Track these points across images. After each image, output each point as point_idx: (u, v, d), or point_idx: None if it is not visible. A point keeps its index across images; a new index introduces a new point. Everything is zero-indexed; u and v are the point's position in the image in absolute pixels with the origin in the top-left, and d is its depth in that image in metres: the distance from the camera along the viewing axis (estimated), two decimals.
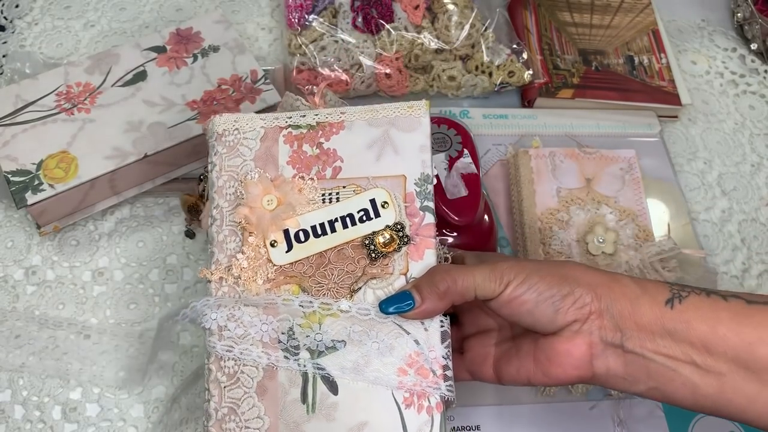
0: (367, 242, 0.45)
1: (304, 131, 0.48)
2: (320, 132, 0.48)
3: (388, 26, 0.70)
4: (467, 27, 0.70)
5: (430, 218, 0.46)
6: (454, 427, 0.54)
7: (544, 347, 0.42)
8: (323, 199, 0.46)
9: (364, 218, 0.46)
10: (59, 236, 0.62)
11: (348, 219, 0.46)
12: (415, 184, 0.46)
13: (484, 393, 0.56)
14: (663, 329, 0.39)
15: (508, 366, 0.45)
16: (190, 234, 0.62)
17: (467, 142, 0.61)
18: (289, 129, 0.48)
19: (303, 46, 0.69)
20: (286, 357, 0.43)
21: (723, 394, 0.38)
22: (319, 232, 0.46)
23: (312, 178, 0.47)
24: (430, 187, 0.46)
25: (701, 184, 0.71)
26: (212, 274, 0.45)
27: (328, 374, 0.43)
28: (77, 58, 0.72)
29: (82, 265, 0.61)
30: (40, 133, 0.60)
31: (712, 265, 0.65)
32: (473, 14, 0.71)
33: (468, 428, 0.55)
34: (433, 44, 0.70)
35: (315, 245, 0.45)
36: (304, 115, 0.49)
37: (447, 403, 0.43)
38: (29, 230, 0.62)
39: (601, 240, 0.58)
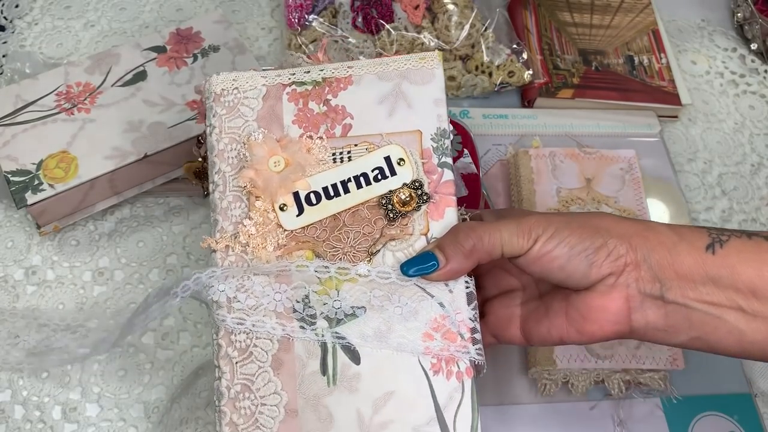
0: (384, 202, 0.43)
1: (310, 88, 0.45)
2: (327, 88, 0.45)
3: (388, 26, 0.70)
4: (467, 27, 0.70)
5: (449, 175, 0.43)
6: None
7: (577, 304, 0.40)
8: (334, 159, 0.44)
9: (380, 177, 0.43)
10: (59, 236, 0.62)
11: (362, 178, 0.43)
12: (431, 139, 0.44)
13: (484, 393, 0.56)
14: (705, 276, 0.37)
15: (537, 326, 0.43)
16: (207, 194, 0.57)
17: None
18: (293, 86, 0.45)
19: (303, 46, 0.69)
20: (302, 327, 0.41)
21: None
22: (332, 193, 0.43)
23: (321, 137, 0.44)
24: (448, 142, 0.44)
25: (701, 184, 0.71)
26: (217, 243, 0.43)
27: (349, 343, 0.41)
28: (77, 58, 0.72)
29: (83, 265, 0.61)
30: (40, 133, 0.60)
31: None
32: (473, 14, 0.71)
33: None
34: (433, 44, 0.70)
35: (328, 207, 0.43)
36: (309, 71, 0.46)
37: (477, 369, 0.41)
38: (29, 230, 0.62)
39: None
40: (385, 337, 0.41)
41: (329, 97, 0.45)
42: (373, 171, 0.43)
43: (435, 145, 0.44)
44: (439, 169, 0.43)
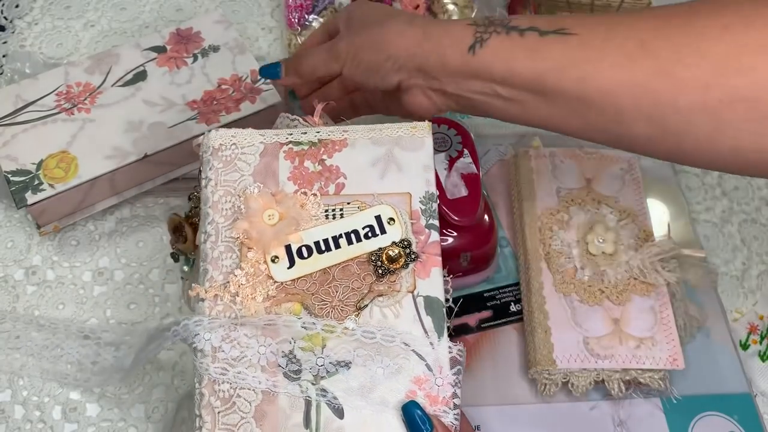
0: (374, 258, 0.44)
1: (306, 148, 0.47)
2: (322, 149, 0.47)
3: None
4: None
5: (435, 236, 0.45)
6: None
7: (400, 100, 0.50)
8: (327, 215, 0.45)
9: (370, 234, 0.45)
10: (59, 236, 0.62)
11: (353, 235, 0.45)
12: (420, 201, 0.46)
13: (484, 393, 0.56)
14: (469, 73, 0.45)
15: (392, 108, 0.54)
16: (174, 256, 0.56)
17: (467, 142, 0.61)
18: (290, 145, 0.47)
19: None
20: (286, 381, 0.41)
21: (526, 114, 0.46)
22: (323, 248, 0.44)
23: (315, 194, 0.46)
24: (435, 206, 0.46)
25: (701, 184, 0.71)
26: (206, 292, 0.43)
27: (333, 398, 0.41)
28: (77, 58, 0.72)
29: (83, 265, 0.61)
30: (40, 133, 0.60)
31: (712, 265, 0.65)
32: (473, 14, 0.71)
33: None
34: None
35: (319, 261, 0.44)
36: (306, 132, 0.48)
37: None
38: (29, 230, 0.62)
39: (601, 240, 0.59)
40: (369, 393, 0.41)
41: (324, 157, 0.47)
42: (363, 228, 0.45)
43: (423, 207, 0.46)
44: (427, 230, 0.45)
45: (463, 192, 0.57)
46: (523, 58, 0.43)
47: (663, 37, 0.40)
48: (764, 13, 0.38)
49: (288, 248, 0.44)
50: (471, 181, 0.57)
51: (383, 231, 0.45)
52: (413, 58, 0.46)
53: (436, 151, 0.59)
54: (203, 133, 0.48)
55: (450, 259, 0.57)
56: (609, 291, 0.57)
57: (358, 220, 0.45)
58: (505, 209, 0.66)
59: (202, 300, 0.43)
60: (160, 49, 0.66)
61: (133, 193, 0.62)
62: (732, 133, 0.39)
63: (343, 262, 0.44)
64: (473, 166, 0.58)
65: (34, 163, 0.58)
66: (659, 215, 0.66)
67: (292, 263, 0.44)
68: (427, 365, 0.42)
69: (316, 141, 0.47)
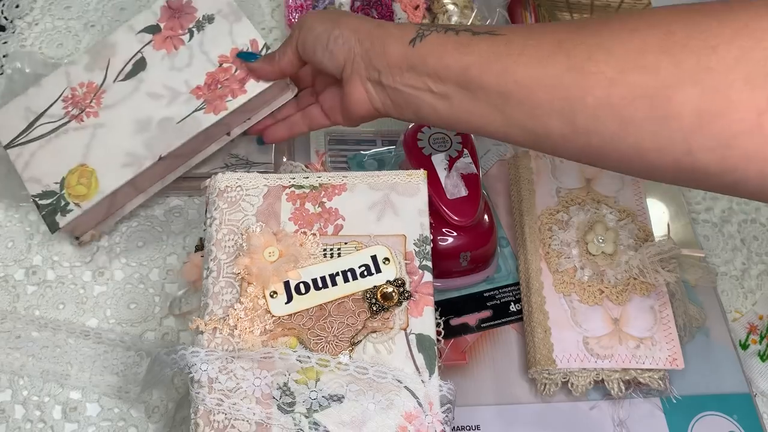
0: (368, 296, 0.46)
1: (307, 191, 0.50)
2: (323, 192, 0.50)
3: None
4: None
5: (428, 277, 0.47)
6: (454, 427, 0.54)
7: (343, 93, 0.52)
8: (325, 254, 0.47)
9: (366, 273, 0.47)
10: (58, 236, 0.62)
11: (349, 273, 0.47)
12: (414, 244, 0.48)
13: (484, 393, 0.56)
14: (407, 65, 0.47)
15: (337, 114, 0.56)
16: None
17: (467, 142, 0.61)
18: (292, 188, 0.50)
19: None
20: (280, 413, 0.42)
21: (454, 112, 0.46)
22: (320, 285, 0.46)
23: (314, 234, 0.48)
24: (428, 248, 0.48)
25: None
26: (206, 325, 0.45)
27: (325, 431, 0.42)
28: (76, 56, 0.71)
29: (83, 265, 0.61)
30: (55, 147, 0.59)
31: (712, 265, 0.65)
32: (473, 14, 0.71)
33: (468, 428, 0.55)
34: None
35: (315, 297, 0.46)
36: (308, 177, 0.51)
37: None
38: (29, 230, 0.62)
39: (600, 240, 0.59)
40: (361, 428, 0.42)
41: (324, 199, 0.50)
42: (360, 267, 0.47)
43: (417, 249, 0.48)
44: (420, 271, 0.47)
45: (463, 192, 0.57)
46: (453, 52, 0.45)
47: (578, 38, 0.42)
48: (666, 19, 0.39)
49: (287, 284, 0.46)
50: (471, 181, 0.57)
51: (378, 270, 0.47)
52: (361, 41, 0.49)
53: (436, 151, 0.59)
54: (212, 124, 0.52)
55: (450, 259, 0.57)
56: (609, 291, 0.57)
57: (355, 260, 0.47)
58: (505, 209, 0.66)
59: (201, 332, 0.45)
60: (154, 29, 0.62)
61: (158, 188, 0.61)
62: (634, 131, 0.40)
63: (339, 298, 0.46)
64: (473, 166, 0.58)
65: (56, 183, 0.57)
66: (659, 215, 0.66)
67: (290, 299, 0.46)
68: (418, 402, 0.43)
69: (317, 185, 0.50)
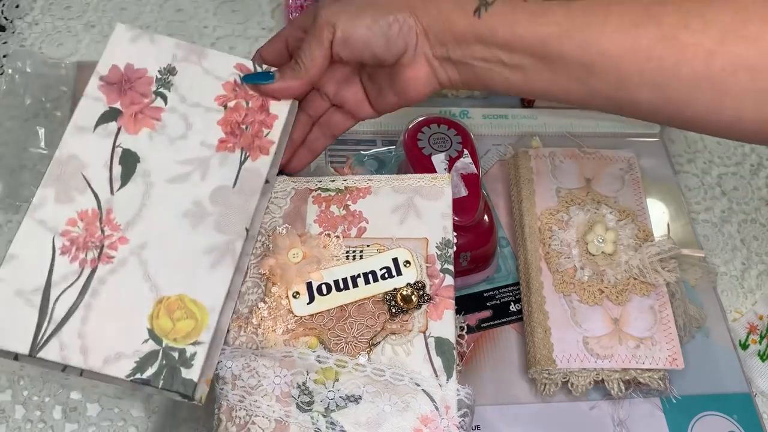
0: (388, 298, 0.46)
1: (333, 194, 0.51)
2: (348, 195, 0.50)
3: None
4: None
5: (450, 281, 0.47)
6: None
7: (396, 78, 0.47)
8: (347, 256, 0.48)
9: (386, 275, 0.47)
10: None
11: (370, 275, 0.47)
12: (436, 247, 0.48)
13: (484, 393, 0.56)
14: (474, 37, 0.44)
15: (380, 101, 0.50)
16: None
17: (467, 142, 0.61)
18: (319, 191, 0.51)
19: None
20: (298, 411, 0.43)
21: (529, 83, 0.44)
22: (342, 286, 0.47)
23: (338, 236, 0.49)
24: (451, 252, 0.48)
25: (701, 184, 0.71)
26: (232, 323, 0.46)
27: (342, 430, 0.43)
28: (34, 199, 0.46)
29: None
30: (105, 307, 0.43)
31: (711, 265, 0.65)
32: None
33: None
34: None
35: (336, 299, 0.47)
36: (334, 180, 0.51)
37: None
38: None
39: (600, 240, 0.59)
40: (377, 429, 0.43)
41: (349, 202, 0.50)
42: (381, 269, 0.47)
43: (439, 252, 0.48)
44: (442, 274, 0.47)
45: (463, 192, 0.57)
46: (526, 23, 0.42)
47: (668, 2, 0.39)
48: None
49: (309, 285, 0.47)
50: (471, 181, 0.57)
51: (399, 273, 0.47)
52: (420, 18, 0.44)
53: (436, 151, 0.59)
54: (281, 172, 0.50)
55: None
56: (608, 291, 0.57)
57: (376, 262, 0.48)
58: (505, 209, 0.66)
59: (227, 330, 0.46)
60: (112, 115, 0.48)
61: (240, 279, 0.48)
62: (734, 103, 0.38)
63: (360, 300, 0.47)
64: (473, 166, 0.58)
65: (145, 340, 0.42)
66: (659, 215, 0.66)
67: (311, 299, 0.47)
68: (435, 405, 0.43)
69: (343, 188, 0.51)
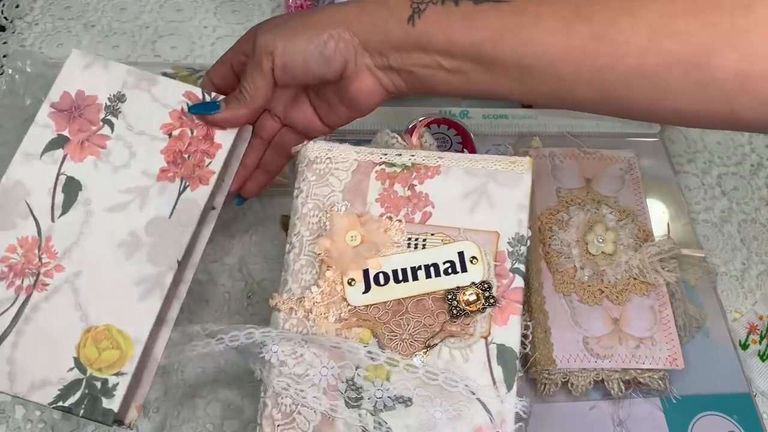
0: (449, 297, 0.42)
1: (398, 170, 0.46)
2: (414, 173, 0.46)
3: None
4: None
5: (519, 282, 0.43)
6: None
7: (344, 92, 0.48)
8: (409, 244, 0.44)
9: (450, 271, 0.43)
10: None
11: (432, 269, 0.43)
12: (508, 243, 0.44)
13: None
14: (412, 45, 0.44)
15: (331, 117, 0.50)
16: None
17: (467, 142, 0.61)
18: (383, 166, 0.47)
19: None
20: (346, 406, 0.41)
21: (471, 85, 0.44)
22: (401, 277, 0.43)
23: (400, 220, 0.45)
24: (524, 249, 0.44)
25: (701, 184, 0.71)
26: (283, 303, 0.43)
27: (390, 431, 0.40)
28: None
29: None
30: (35, 333, 0.43)
31: (711, 265, 0.65)
32: None
33: None
34: None
35: (394, 291, 0.43)
36: (400, 154, 0.47)
37: None
38: None
39: (600, 240, 0.59)
40: None
41: (415, 182, 0.46)
42: (444, 264, 0.43)
43: (511, 249, 0.44)
44: (511, 275, 0.43)
45: None
46: (460, 28, 0.42)
47: (596, 1, 0.39)
48: None
49: (366, 272, 0.44)
50: None
51: (464, 269, 0.43)
52: (357, 34, 0.45)
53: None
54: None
55: None
56: (608, 291, 0.57)
57: (440, 254, 0.44)
58: None
59: (278, 311, 0.44)
60: (59, 142, 0.48)
61: (176, 311, 0.47)
62: (672, 97, 0.39)
63: (419, 295, 0.43)
64: None
65: (70, 369, 0.43)
66: (659, 215, 0.66)
67: (367, 288, 0.43)
68: (490, 417, 0.40)
69: (410, 164, 0.46)
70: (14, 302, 0.44)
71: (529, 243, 0.44)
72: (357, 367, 0.42)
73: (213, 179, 0.48)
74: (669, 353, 0.55)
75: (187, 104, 0.49)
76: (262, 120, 0.51)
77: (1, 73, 0.69)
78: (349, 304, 0.43)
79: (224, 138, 0.49)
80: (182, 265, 0.47)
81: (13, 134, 0.65)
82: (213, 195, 0.49)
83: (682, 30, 0.37)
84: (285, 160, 0.53)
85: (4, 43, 0.73)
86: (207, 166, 0.49)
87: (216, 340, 0.43)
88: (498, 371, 0.41)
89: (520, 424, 0.41)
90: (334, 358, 0.42)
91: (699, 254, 0.61)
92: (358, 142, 0.67)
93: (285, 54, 0.45)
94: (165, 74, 0.51)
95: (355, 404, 0.41)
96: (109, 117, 0.49)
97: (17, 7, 0.75)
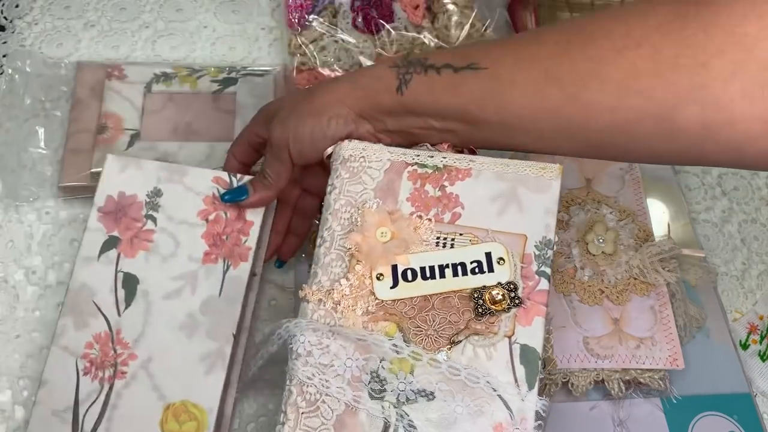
0: (476, 296, 0.44)
1: (430, 171, 0.48)
2: (445, 175, 0.48)
3: (388, 26, 0.70)
4: (467, 27, 0.70)
5: (545, 284, 0.44)
6: None
7: None
8: (437, 243, 0.45)
9: (477, 270, 0.44)
10: (60, 235, 0.62)
11: (459, 267, 0.44)
12: (535, 246, 0.45)
13: None
14: (404, 111, 0.47)
15: None
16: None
17: None
18: (415, 166, 0.48)
19: (303, 46, 0.69)
20: (369, 398, 0.42)
21: (464, 140, 0.49)
22: (428, 274, 0.45)
23: (429, 219, 0.46)
24: (551, 253, 0.45)
25: (701, 184, 0.71)
26: (312, 295, 0.45)
27: (412, 424, 0.41)
28: (58, 328, 0.51)
29: None
30: (122, 416, 0.49)
31: (711, 265, 0.65)
32: (473, 14, 0.71)
33: None
34: (433, 44, 0.70)
35: (421, 287, 0.44)
36: (433, 156, 0.48)
37: None
38: (29, 230, 0.62)
39: (600, 240, 0.59)
40: (449, 428, 0.41)
41: (446, 183, 0.47)
42: (471, 263, 0.45)
43: (537, 252, 0.45)
44: (537, 277, 0.44)
45: None
46: (444, 94, 0.46)
47: (566, 65, 0.42)
48: (651, 36, 0.40)
49: (394, 268, 0.45)
50: None
51: (491, 269, 0.44)
52: (353, 107, 0.48)
53: None
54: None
55: None
56: (609, 291, 0.57)
57: (468, 254, 0.45)
58: None
59: (307, 302, 0.45)
60: (112, 243, 0.53)
61: (237, 373, 0.53)
62: (646, 145, 0.42)
63: (445, 293, 0.44)
64: None
65: None
66: (659, 215, 0.66)
67: (395, 283, 0.45)
68: (511, 414, 0.41)
69: (441, 166, 0.48)
70: (100, 393, 0.49)
71: (556, 248, 0.45)
72: (382, 360, 0.42)
73: (251, 255, 0.53)
74: (669, 353, 0.55)
75: (218, 190, 0.54)
76: (284, 189, 0.54)
77: (1, 73, 0.69)
78: (376, 298, 0.44)
79: (255, 215, 0.54)
80: (237, 335, 0.52)
81: (13, 134, 0.65)
82: (253, 264, 0.54)
83: (645, 89, 0.40)
84: (310, 221, 0.58)
85: (4, 43, 0.73)
86: (244, 243, 0.54)
87: (269, 343, 0.46)
88: (520, 370, 0.42)
89: (540, 422, 0.42)
90: (359, 350, 0.43)
91: (699, 254, 0.61)
92: None
93: (297, 142, 0.50)
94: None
95: (378, 396, 0.42)
96: (150, 212, 0.54)
97: (17, 6, 0.75)
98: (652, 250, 0.57)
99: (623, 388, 0.55)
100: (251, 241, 0.54)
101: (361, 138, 0.50)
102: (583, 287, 0.58)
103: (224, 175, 0.55)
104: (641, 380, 0.55)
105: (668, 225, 0.66)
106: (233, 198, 0.53)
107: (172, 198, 0.54)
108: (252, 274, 0.54)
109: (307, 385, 0.42)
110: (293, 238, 0.59)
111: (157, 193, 0.54)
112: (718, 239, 0.68)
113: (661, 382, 0.55)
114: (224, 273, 0.53)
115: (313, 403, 0.42)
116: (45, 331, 0.57)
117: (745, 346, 0.62)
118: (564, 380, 0.55)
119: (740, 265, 0.67)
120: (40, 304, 0.59)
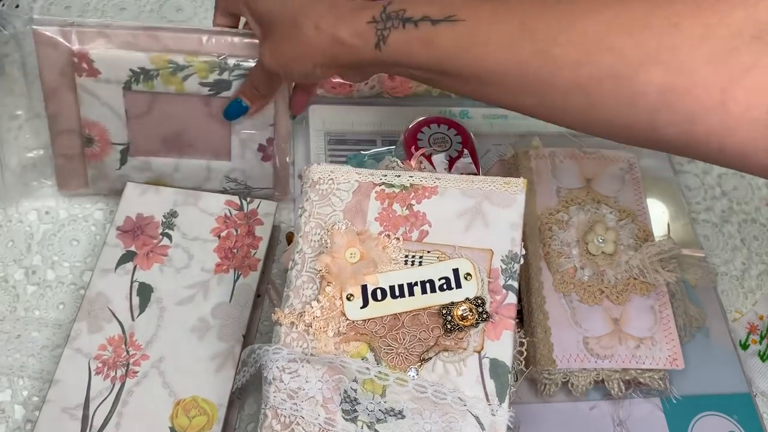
0: (444, 312, 0.44)
1: (397, 191, 0.48)
2: (412, 194, 0.48)
3: None
4: None
5: (512, 298, 0.44)
6: None
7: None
8: (406, 261, 0.46)
9: (445, 287, 0.45)
10: (60, 235, 0.62)
11: (428, 285, 0.45)
12: (501, 260, 0.45)
13: None
14: (383, 63, 0.48)
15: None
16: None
17: (467, 142, 0.61)
18: (383, 186, 0.49)
19: None
20: (343, 419, 0.42)
21: (442, 86, 0.51)
22: (397, 293, 0.45)
23: (398, 238, 0.47)
24: (517, 267, 0.45)
25: (701, 184, 0.71)
26: (285, 318, 0.45)
27: None
28: (72, 332, 0.54)
29: (82, 264, 0.61)
30: (133, 414, 0.51)
31: (711, 265, 0.65)
32: None
33: None
34: None
35: (391, 306, 0.45)
36: (399, 175, 0.49)
37: None
38: (29, 230, 0.62)
39: (600, 240, 0.59)
40: None
41: (413, 202, 0.48)
42: (440, 280, 0.45)
43: (504, 266, 0.45)
44: (504, 291, 0.45)
45: None
46: (420, 50, 0.46)
47: (540, 17, 0.43)
48: None
49: (364, 288, 0.45)
50: None
51: (459, 285, 0.45)
52: (335, 59, 0.49)
53: (436, 151, 0.59)
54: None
55: None
56: (609, 291, 0.57)
57: (436, 271, 0.45)
58: None
59: (280, 325, 0.45)
60: (129, 257, 0.57)
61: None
62: (603, 110, 0.41)
63: (415, 310, 0.45)
64: (473, 166, 0.58)
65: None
66: (659, 215, 0.66)
67: (365, 303, 0.45)
68: (482, 429, 0.41)
69: (408, 185, 0.48)
70: (111, 390, 0.51)
71: (522, 261, 0.46)
72: (352, 380, 0.43)
73: (260, 265, 0.57)
74: (669, 353, 0.55)
75: (230, 211, 0.60)
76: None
77: (1, 73, 0.69)
78: (347, 319, 0.45)
79: (263, 231, 0.59)
80: (246, 336, 0.55)
81: (13, 134, 0.65)
82: (259, 283, 0.57)
83: (615, 46, 0.40)
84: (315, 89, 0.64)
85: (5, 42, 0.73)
86: (253, 255, 0.58)
87: (249, 365, 0.48)
88: (491, 384, 0.42)
89: None
90: (329, 371, 0.43)
91: (699, 254, 0.61)
92: (357, 143, 0.67)
93: (288, 76, 0.54)
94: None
95: (351, 417, 0.42)
96: (166, 231, 0.58)
97: (17, 7, 0.75)
98: (652, 250, 0.57)
99: (623, 388, 0.55)
100: (260, 253, 0.58)
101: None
102: (583, 287, 0.58)
103: (235, 199, 0.60)
104: (641, 380, 0.55)
105: (668, 225, 0.66)
106: (236, 114, 0.58)
107: (187, 218, 0.59)
108: (257, 295, 0.57)
109: (281, 409, 0.43)
110: (301, 93, 0.61)
111: (173, 214, 0.59)
112: (718, 239, 0.68)
113: (661, 382, 0.55)
114: (234, 281, 0.56)
115: (288, 425, 0.42)
116: (45, 330, 0.57)
117: (744, 346, 0.62)
118: (564, 380, 0.55)
119: (740, 265, 0.67)
120: (40, 304, 0.59)
